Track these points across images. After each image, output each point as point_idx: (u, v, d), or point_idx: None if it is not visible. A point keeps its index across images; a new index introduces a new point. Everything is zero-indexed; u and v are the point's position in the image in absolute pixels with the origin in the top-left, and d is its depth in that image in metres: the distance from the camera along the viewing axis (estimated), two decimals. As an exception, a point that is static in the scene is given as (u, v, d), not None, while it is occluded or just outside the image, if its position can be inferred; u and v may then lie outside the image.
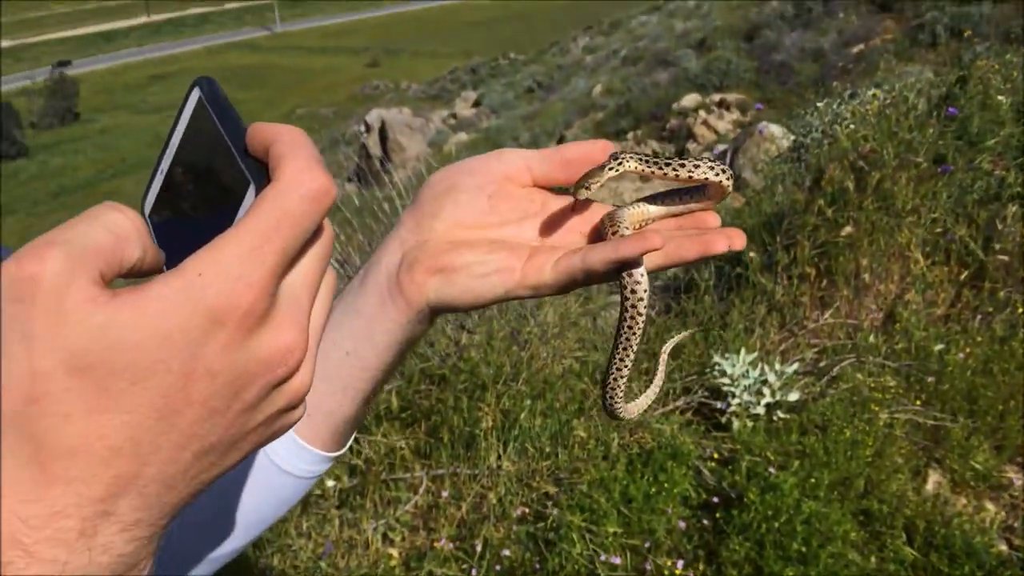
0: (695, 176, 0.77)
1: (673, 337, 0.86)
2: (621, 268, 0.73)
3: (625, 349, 0.78)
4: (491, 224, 0.79)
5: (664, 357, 0.97)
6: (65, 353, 0.42)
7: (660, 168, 0.79)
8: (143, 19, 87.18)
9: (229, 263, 0.45)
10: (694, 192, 0.79)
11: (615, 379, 0.80)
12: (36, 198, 40.69)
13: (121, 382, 0.43)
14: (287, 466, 0.87)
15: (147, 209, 0.57)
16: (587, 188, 0.75)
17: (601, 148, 0.78)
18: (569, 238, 0.79)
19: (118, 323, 0.43)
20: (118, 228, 0.46)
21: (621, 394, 0.81)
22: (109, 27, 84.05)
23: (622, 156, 0.78)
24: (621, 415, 0.83)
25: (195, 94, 0.54)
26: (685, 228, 0.79)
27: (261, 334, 0.47)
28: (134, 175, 41.59)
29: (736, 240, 0.72)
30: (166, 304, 0.44)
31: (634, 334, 0.76)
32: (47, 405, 0.42)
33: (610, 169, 0.77)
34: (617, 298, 3.81)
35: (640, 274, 0.73)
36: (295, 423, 0.53)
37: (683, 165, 0.78)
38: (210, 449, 0.48)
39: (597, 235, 0.78)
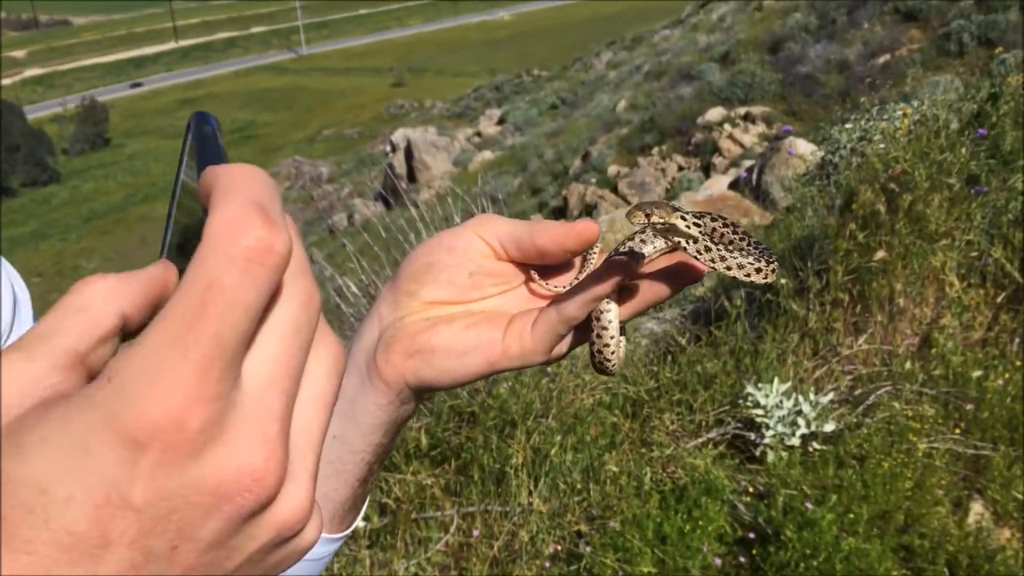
0: (735, 273, 0.67)
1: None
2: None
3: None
4: (472, 300, 0.75)
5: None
6: None
7: (703, 249, 0.67)
8: (171, 44, 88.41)
9: (145, 361, 0.34)
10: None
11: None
12: (68, 223, 41.32)
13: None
14: None
15: (163, 256, 0.48)
16: (647, 216, 0.67)
17: (579, 230, 0.70)
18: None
19: (22, 428, 0.35)
20: (78, 302, 0.39)
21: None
22: (138, 53, 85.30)
23: (679, 210, 0.68)
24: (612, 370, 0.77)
25: (188, 133, 0.46)
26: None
27: (207, 456, 0.36)
28: (164, 199, 41.89)
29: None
30: (69, 414, 0.35)
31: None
32: None
33: (677, 213, 0.67)
34: (647, 325, 3.72)
35: (609, 310, 0.71)
36: (303, 552, 0.43)
37: (729, 252, 0.67)
38: None
39: None
